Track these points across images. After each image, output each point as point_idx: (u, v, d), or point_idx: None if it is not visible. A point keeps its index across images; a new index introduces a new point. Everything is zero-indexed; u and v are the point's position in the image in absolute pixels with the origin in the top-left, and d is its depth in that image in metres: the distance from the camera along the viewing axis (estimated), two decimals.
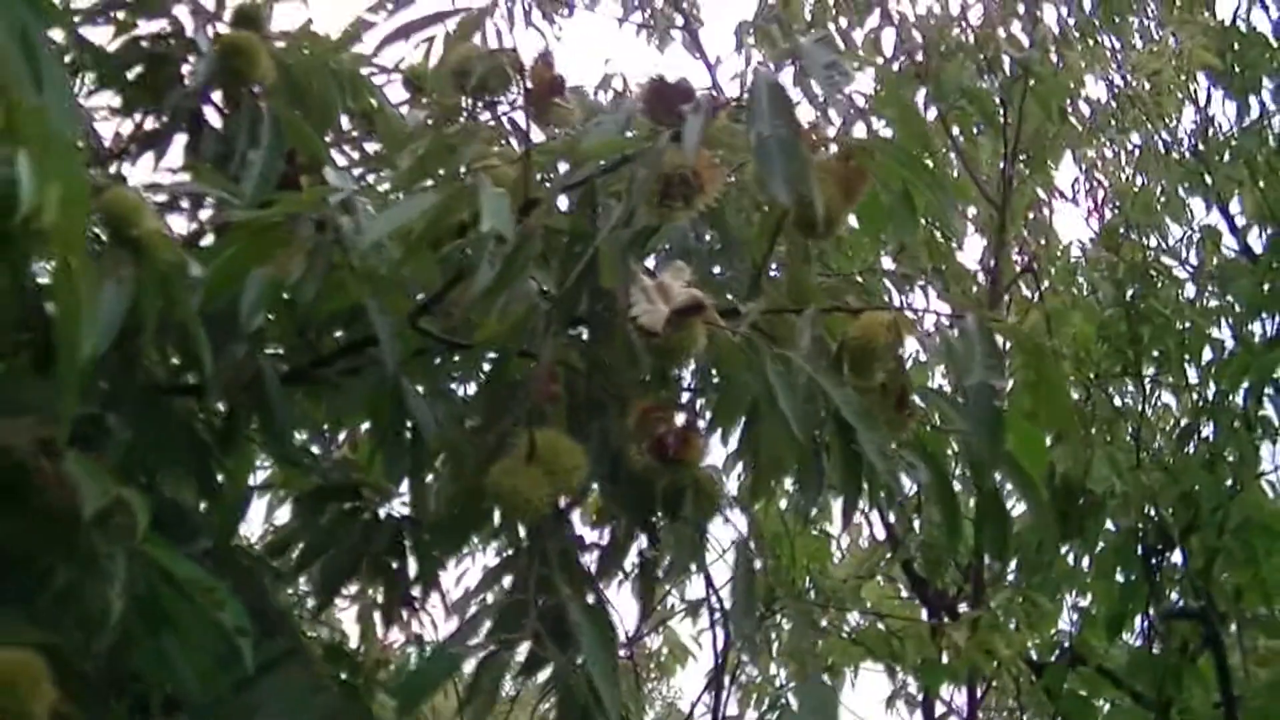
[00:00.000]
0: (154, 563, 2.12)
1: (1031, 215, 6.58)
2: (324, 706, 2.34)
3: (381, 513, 2.97)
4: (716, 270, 2.98)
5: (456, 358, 2.76)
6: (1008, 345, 3.10)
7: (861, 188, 2.63)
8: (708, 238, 2.94)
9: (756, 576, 2.42)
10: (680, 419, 2.36)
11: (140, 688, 2.29)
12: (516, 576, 2.27)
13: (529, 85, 2.49)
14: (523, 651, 2.29)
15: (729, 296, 2.75)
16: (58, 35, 2.97)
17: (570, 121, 2.57)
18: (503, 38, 3.36)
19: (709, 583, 6.31)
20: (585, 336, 2.49)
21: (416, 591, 3.01)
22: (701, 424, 2.75)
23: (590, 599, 2.32)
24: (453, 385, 2.93)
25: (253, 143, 3.07)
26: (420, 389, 2.72)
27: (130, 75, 3.21)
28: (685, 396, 2.87)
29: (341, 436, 3.48)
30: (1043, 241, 6.34)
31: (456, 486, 2.44)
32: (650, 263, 2.75)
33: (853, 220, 2.95)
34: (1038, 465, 3.00)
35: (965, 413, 2.35)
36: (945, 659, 4.98)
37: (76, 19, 3.16)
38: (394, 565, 3.02)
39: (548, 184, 2.55)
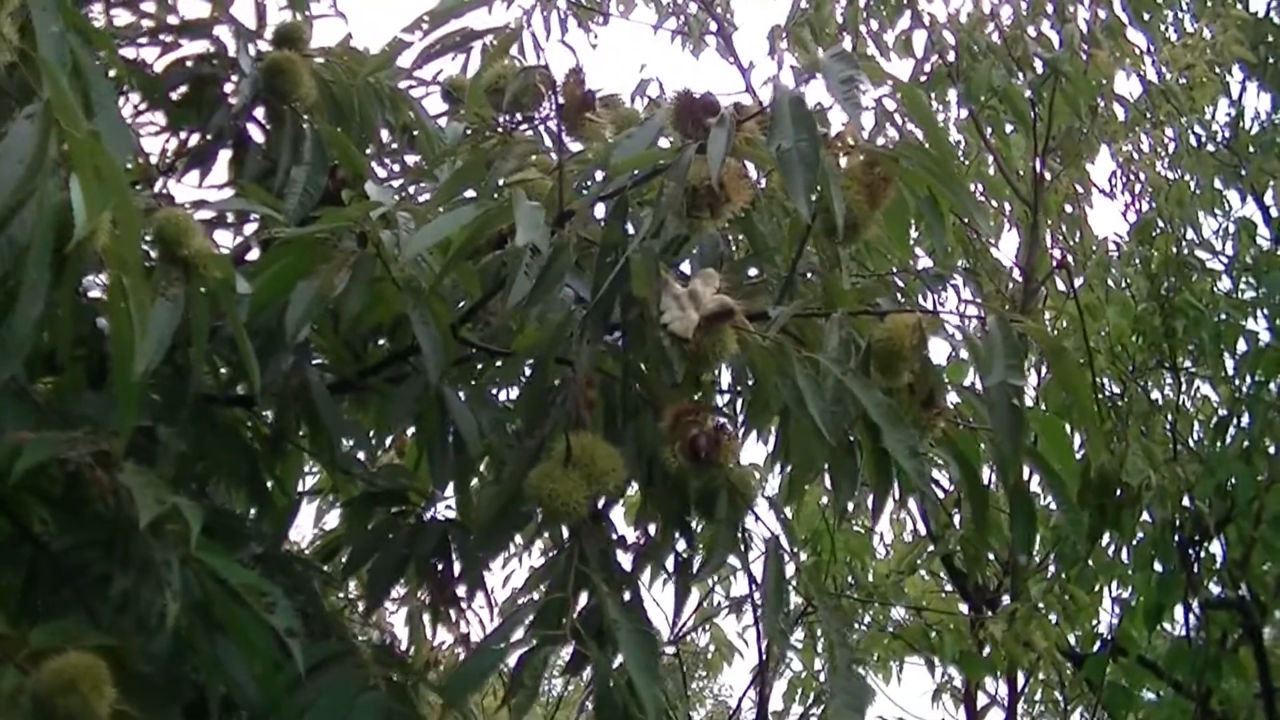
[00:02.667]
0: (207, 569, 2.21)
1: (1070, 210, 6.60)
2: (372, 705, 2.41)
3: (427, 517, 3.05)
4: (752, 273, 3.06)
5: (499, 364, 2.84)
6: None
7: (887, 193, 2.70)
8: (739, 241, 3.00)
9: (786, 573, 2.48)
10: (712, 421, 2.43)
11: (199, 689, 2.37)
12: (555, 575, 2.34)
13: (561, 100, 2.56)
14: (568, 651, 2.38)
15: (760, 301, 2.83)
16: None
17: (601, 135, 2.64)
18: (539, 49, 3.45)
19: (751, 580, 6.39)
20: (620, 343, 2.56)
21: (463, 592, 3.09)
22: (739, 425, 2.83)
23: (627, 597, 2.39)
24: (496, 392, 3.02)
25: (295, 159, 3.16)
26: (463, 396, 2.81)
27: (175, 95, 3.32)
28: (722, 400, 2.95)
29: (389, 442, 3.58)
30: (1077, 237, 6.37)
31: (496, 490, 2.52)
32: (686, 268, 2.83)
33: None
34: (1066, 461, 3.07)
35: (988, 412, 2.41)
36: (985, 651, 5.04)
37: (122, 42, 3.26)
38: (440, 568, 3.10)
39: (584, 194, 2.63)
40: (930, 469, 2.49)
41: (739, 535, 2.49)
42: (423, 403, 2.72)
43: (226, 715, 2.30)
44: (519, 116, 2.67)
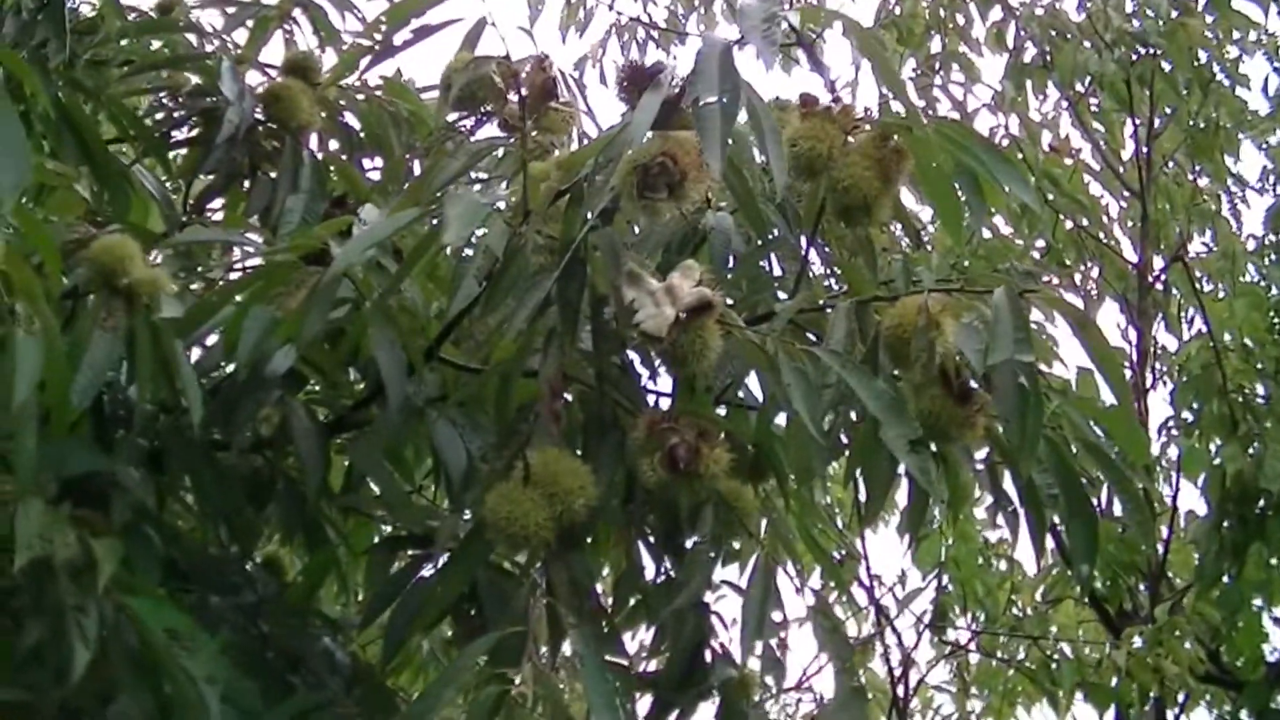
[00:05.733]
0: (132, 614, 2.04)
1: (1206, 202, 6.16)
2: None
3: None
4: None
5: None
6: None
7: (901, 169, 2.43)
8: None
9: (775, 593, 2.20)
10: (693, 428, 2.18)
11: None
12: (516, 608, 2.11)
13: (523, 92, 2.35)
14: None
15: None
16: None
17: (564, 127, 2.43)
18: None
19: (880, 613, 6.07)
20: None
21: None
22: None
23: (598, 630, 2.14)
24: None
25: (294, 188, 3.02)
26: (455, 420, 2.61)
27: (180, 135, 3.21)
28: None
29: None
30: (1206, 232, 5.95)
31: (453, 519, 2.31)
32: None
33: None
34: (1138, 455, 2.74)
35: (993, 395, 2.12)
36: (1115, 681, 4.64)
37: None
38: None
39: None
40: (933, 465, 2.18)
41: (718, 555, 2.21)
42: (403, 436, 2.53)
43: None
44: (479, 112, 2.46)
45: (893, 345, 2.29)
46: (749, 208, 2.54)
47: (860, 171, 2.37)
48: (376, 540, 3.05)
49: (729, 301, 2.37)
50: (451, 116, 2.52)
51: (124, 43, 3.33)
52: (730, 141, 2.21)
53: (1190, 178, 6.06)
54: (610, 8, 5.95)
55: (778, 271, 2.81)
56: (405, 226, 2.18)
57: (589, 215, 2.06)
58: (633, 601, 2.56)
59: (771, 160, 2.06)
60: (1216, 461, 4.74)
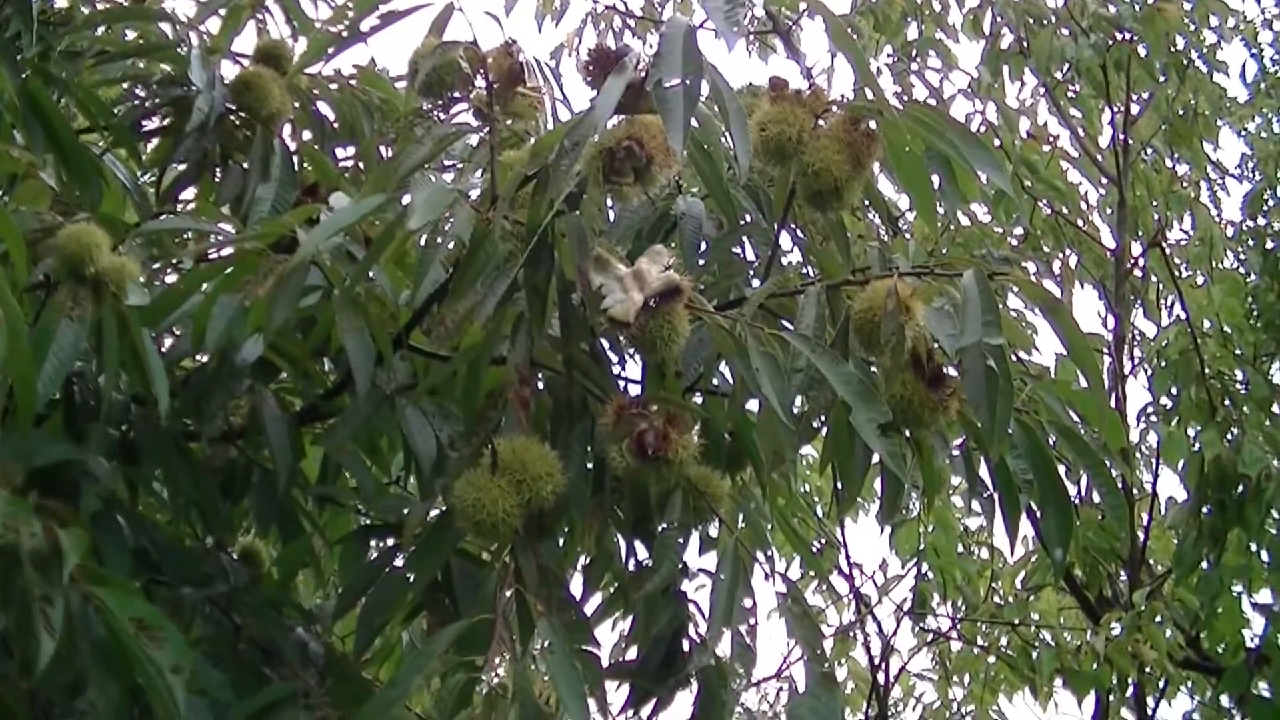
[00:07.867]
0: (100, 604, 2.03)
1: (1185, 189, 6.18)
2: None
3: None
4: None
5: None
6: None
7: (872, 153, 2.42)
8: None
9: (745, 580, 2.20)
10: (662, 414, 2.17)
11: None
12: (484, 596, 2.10)
13: (490, 77, 2.34)
14: None
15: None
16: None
17: (533, 112, 2.42)
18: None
19: (859, 601, 6.07)
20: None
21: None
22: None
23: (570, 618, 2.13)
24: None
25: (264, 177, 3.01)
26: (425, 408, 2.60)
27: (151, 125, 3.19)
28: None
29: None
30: (1184, 218, 5.96)
31: (423, 506, 2.30)
32: None
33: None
34: (1114, 439, 2.74)
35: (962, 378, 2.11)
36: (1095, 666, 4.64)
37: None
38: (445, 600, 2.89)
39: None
40: (903, 449, 2.18)
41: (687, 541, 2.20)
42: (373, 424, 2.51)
43: None
44: (445, 97, 2.44)
45: (863, 329, 2.28)
46: (718, 192, 2.53)
47: (830, 155, 2.36)
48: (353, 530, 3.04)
49: (700, 287, 2.36)
50: (425, 105, 2.49)
51: (99, 32, 3.31)
52: (698, 125, 2.21)
53: (1169, 164, 6.07)
54: None
55: (752, 257, 2.81)
56: (371, 213, 2.17)
57: (555, 200, 2.04)
58: (612, 590, 2.56)
59: (736, 143, 2.06)
60: (1195, 447, 4.75)
